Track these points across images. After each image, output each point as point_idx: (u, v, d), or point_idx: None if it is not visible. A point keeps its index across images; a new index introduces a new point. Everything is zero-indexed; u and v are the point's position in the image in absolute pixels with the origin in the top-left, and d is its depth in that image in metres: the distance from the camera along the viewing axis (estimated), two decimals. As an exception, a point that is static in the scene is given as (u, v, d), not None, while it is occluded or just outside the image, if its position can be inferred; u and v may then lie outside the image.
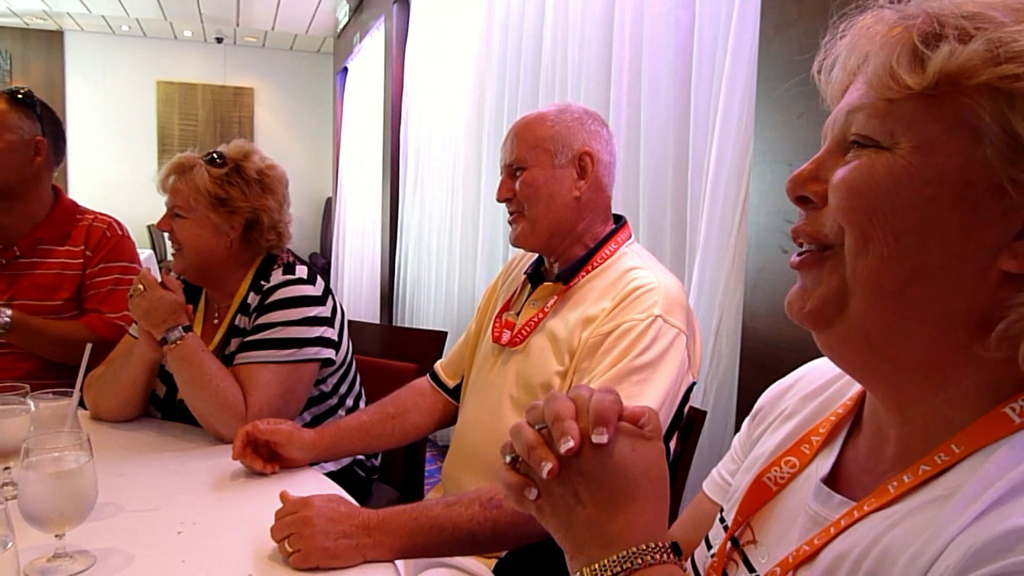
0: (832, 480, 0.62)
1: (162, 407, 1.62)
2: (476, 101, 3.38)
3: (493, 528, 1.06)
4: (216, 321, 1.63)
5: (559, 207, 1.31)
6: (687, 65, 1.88)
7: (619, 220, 1.40)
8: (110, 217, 2.00)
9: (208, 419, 1.45)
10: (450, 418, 1.53)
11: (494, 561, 1.24)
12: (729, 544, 0.67)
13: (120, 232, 1.97)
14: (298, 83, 9.50)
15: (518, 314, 1.38)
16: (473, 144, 3.41)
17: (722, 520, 0.72)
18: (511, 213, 1.36)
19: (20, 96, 1.85)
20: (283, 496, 1.05)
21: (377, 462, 1.82)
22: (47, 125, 1.89)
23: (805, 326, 0.58)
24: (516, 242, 1.37)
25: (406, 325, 4.50)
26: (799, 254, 0.58)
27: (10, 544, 0.79)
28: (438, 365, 1.57)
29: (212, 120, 9.24)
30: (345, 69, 7.38)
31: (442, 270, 3.85)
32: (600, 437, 0.56)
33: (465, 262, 3.49)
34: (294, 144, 9.03)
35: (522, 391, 1.28)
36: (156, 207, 1.62)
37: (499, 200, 1.37)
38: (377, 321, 5.25)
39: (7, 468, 1.19)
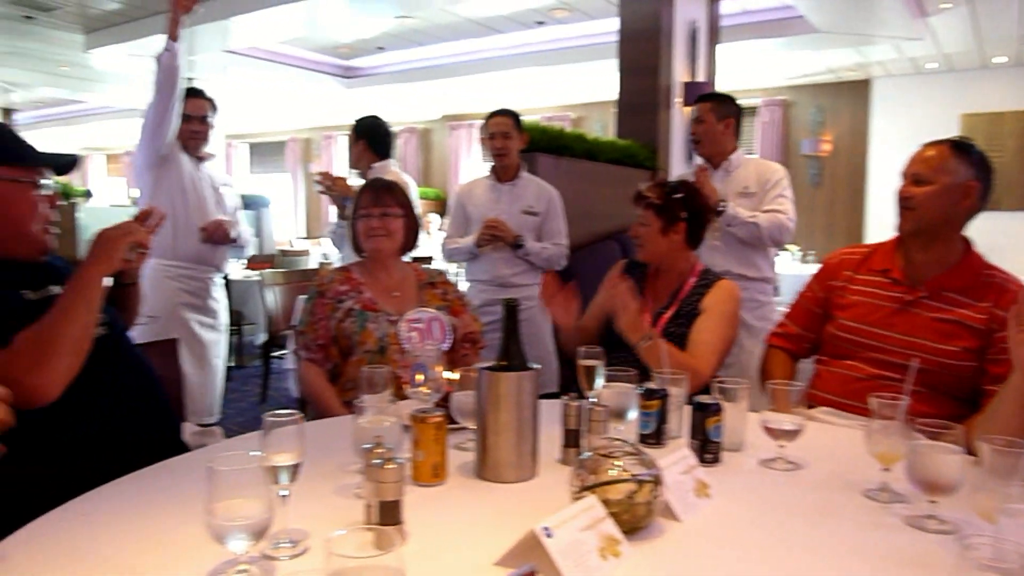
0: None
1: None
2: None
3: None
4: None
5: None
6: None
7: None
8: (1015, 277, 1.94)
9: None
10: None
11: None
12: None
13: None
14: None
15: None
16: None
17: None
18: None
19: (959, 143, 1.95)
20: None
21: None
22: (980, 171, 1.93)
23: None
24: None
25: None
26: None
27: None
28: None
29: (1021, 149, 8.40)
30: None
31: None
32: None
33: None
34: None
35: None
36: None
37: None
38: None
39: (933, 502, 1.22)
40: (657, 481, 1.15)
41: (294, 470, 1.09)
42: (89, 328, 1.51)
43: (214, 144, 3.43)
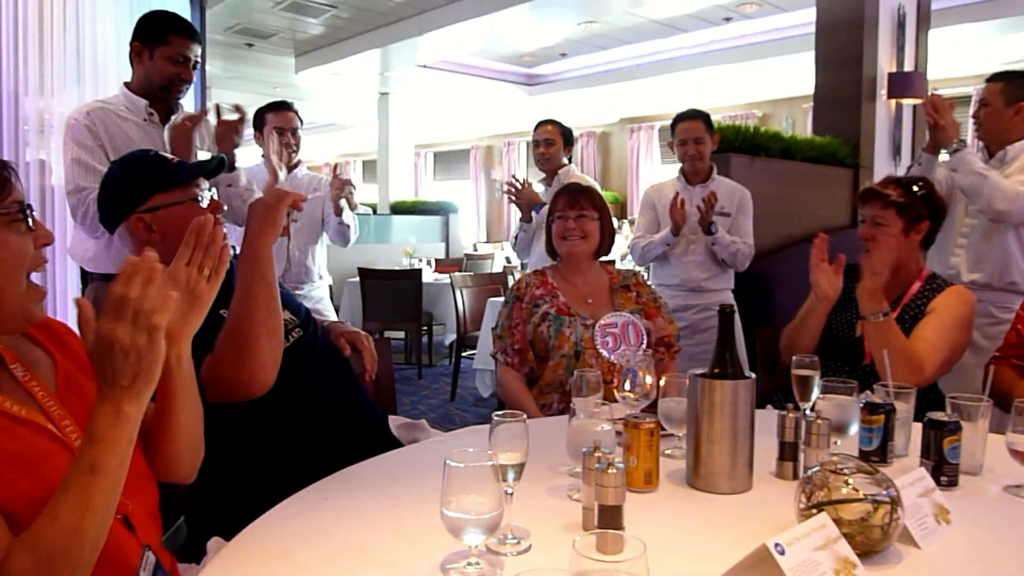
0: None
1: None
2: None
3: None
4: None
5: None
6: None
7: None
8: None
9: None
10: None
11: None
12: None
13: None
14: None
15: None
16: None
17: None
18: None
19: None
20: None
21: None
22: None
23: None
24: None
25: None
26: None
27: None
28: None
29: None
30: None
31: None
32: None
33: None
34: None
35: None
36: None
37: None
38: None
39: None
40: (895, 503, 1.07)
41: (520, 469, 1.12)
42: (272, 303, 1.52)
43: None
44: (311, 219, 3.44)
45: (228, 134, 2.46)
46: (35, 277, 1.05)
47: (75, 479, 0.91)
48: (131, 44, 2.44)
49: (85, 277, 2.63)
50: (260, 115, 3.41)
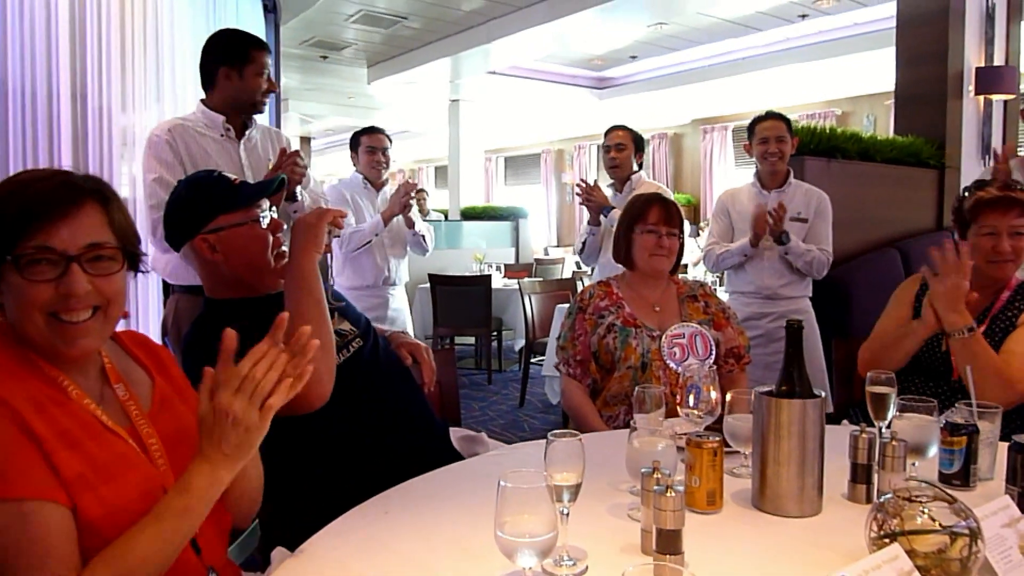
0: None
1: None
2: None
3: None
4: None
5: None
6: None
7: None
8: None
9: None
10: None
11: None
12: None
13: None
14: None
15: None
16: None
17: None
18: None
19: None
20: None
21: None
22: None
23: None
24: None
25: None
26: None
27: None
28: None
29: None
30: None
31: None
32: None
33: None
34: None
35: None
36: None
37: None
38: None
39: None
40: (975, 535, 1.00)
41: (575, 490, 1.10)
42: (321, 318, 1.52)
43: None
44: (398, 228, 3.77)
45: (290, 166, 2.54)
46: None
47: (166, 519, 0.99)
48: (217, 69, 2.49)
49: (167, 289, 2.73)
50: (356, 138, 3.82)
